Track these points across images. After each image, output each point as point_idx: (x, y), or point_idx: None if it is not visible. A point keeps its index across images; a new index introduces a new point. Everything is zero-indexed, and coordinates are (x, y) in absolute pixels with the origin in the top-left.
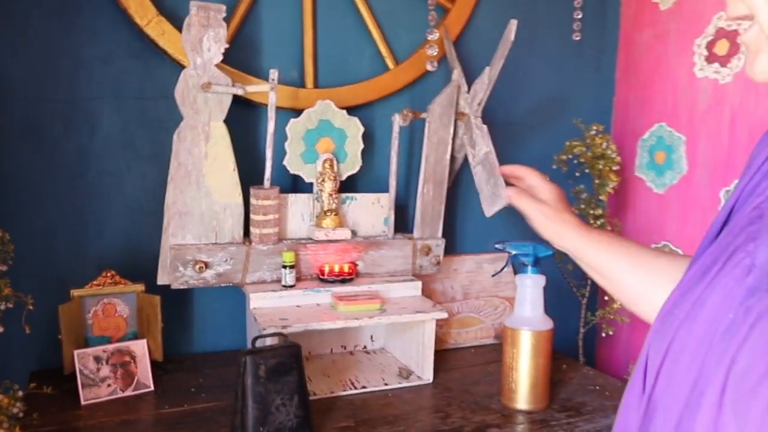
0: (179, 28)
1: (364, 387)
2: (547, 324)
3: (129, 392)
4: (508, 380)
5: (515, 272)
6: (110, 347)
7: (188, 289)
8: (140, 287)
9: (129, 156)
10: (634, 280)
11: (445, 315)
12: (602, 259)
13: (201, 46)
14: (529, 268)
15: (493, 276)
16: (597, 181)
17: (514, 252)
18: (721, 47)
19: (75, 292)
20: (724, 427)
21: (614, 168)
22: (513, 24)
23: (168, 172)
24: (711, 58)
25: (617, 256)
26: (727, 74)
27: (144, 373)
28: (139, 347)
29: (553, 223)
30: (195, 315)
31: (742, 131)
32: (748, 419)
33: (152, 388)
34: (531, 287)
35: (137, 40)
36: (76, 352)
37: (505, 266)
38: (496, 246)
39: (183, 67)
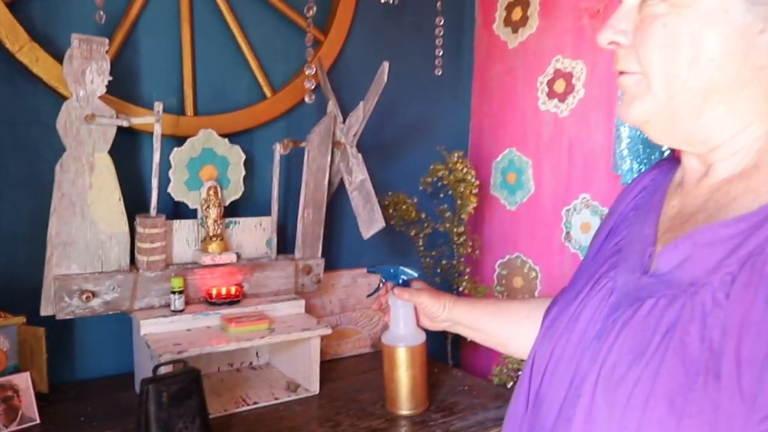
0: (53, 55)
1: (255, 402)
2: (419, 338)
3: (14, 427)
4: (389, 390)
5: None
6: None
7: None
8: (21, 320)
9: (1, 184)
10: (498, 324)
11: (329, 331)
12: (474, 315)
13: (84, 78)
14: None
15: (368, 297)
16: (459, 202)
17: (383, 275)
18: (559, 86)
19: None
20: (597, 411)
21: (473, 191)
22: (385, 66)
23: (47, 202)
24: (551, 95)
25: (484, 309)
26: (565, 109)
27: (29, 406)
28: (22, 380)
29: (437, 302)
30: (78, 342)
31: (578, 159)
32: (615, 403)
33: (38, 420)
34: (402, 307)
35: (8, 65)
36: None
37: (378, 288)
38: (369, 269)
39: (58, 93)
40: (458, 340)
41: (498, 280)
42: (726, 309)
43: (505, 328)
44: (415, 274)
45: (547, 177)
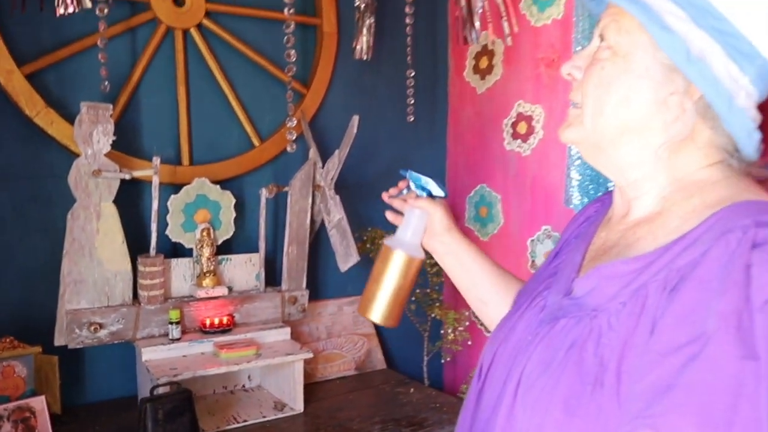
0: (66, 117)
1: (245, 420)
2: (419, 254)
3: None
4: (369, 291)
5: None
6: (10, 405)
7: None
8: (37, 349)
9: (21, 230)
10: (489, 281)
11: (310, 355)
12: (473, 255)
13: (91, 139)
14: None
15: (389, 195)
16: None
17: (412, 180)
18: (522, 127)
19: None
20: (518, 410)
21: None
22: (355, 119)
23: (60, 245)
24: (515, 135)
25: (484, 259)
26: (527, 148)
27: (44, 426)
28: (38, 403)
29: (449, 218)
30: (89, 368)
31: (539, 193)
32: (526, 405)
33: None
34: (417, 217)
35: (27, 128)
36: None
37: (401, 193)
38: (402, 172)
39: (70, 150)
40: (438, 361)
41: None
42: (616, 331)
43: (494, 289)
44: (443, 194)
45: (514, 210)
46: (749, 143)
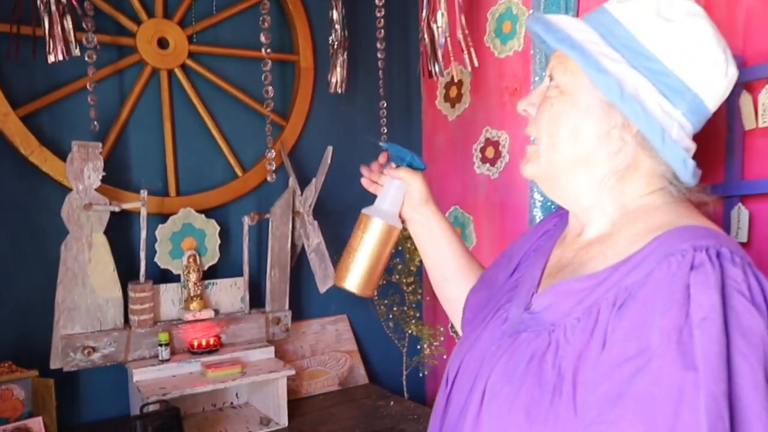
0: (58, 155)
1: None
2: (397, 224)
3: None
4: (345, 260)
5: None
6: (9, 426)
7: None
8: (34, 373)
9: (18, 260)
10: (455, 260)
11: (292, 372)
12: (446, 231)
13: (82, 175)
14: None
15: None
16: (407, 256)
17: (392, 152)
18: (490, 152)
19: None
20: (483, 416)
21: None
22: (329, 150)
23: (55, 274)
24: (484, 160)
25: (457, 239)
26: (495, 172)
27: None
28: (36, 424)
29: (426, 190)
30: (83, 390)
31: (507, 214)
32: (491, 412)
33: None
34: (396, 187)
35: (22, 166)
36: None
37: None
38: (381, 144)
39: (63, 185)
40: (414, 373)
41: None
42: (572, 345)
43: (458, 268)
44: (423, 167)
45: (486, 231)
46: (685, 171)
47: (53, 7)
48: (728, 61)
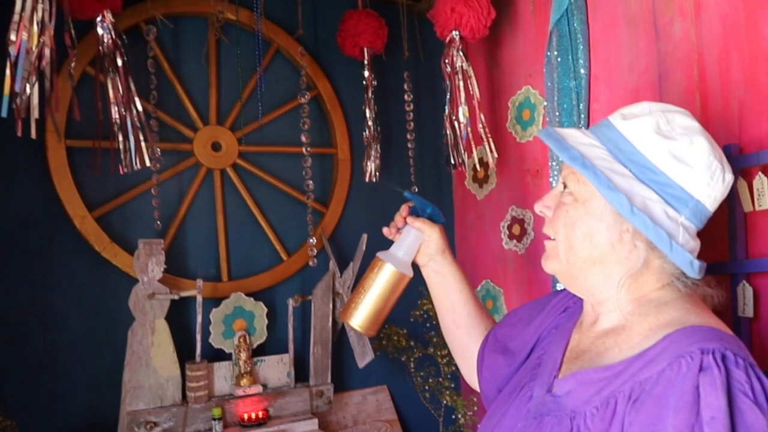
0: (126, 249)
1: None
2: (408, 272)
3: None
4: (354, 299)
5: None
6: None
7: None
8: None
9: (90, 344)
10: (468, 312)
11: None
12: (459, 279)
13: (147, 269)
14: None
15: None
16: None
17: (415, 203)
18: (516, 229)
19: None
20: None
21: None
22: (364, 237)
23: (122, 356)
24: (511, 236)
25: (469, 289)
26: (522, 247)
27: None
28: None
29: (443, 241)
30: None
31: (534, 288)
32: None
33: None
34: (413, 237)
35: (95, 260)
36: None
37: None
38: (406, 194)
39: (130, 276)
40: None
41: None
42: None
43: (469, 317)
44: (442, 220)
45: (515, 303)
46: (692, 271)
47: (129, 126)
48: (725, 170)
